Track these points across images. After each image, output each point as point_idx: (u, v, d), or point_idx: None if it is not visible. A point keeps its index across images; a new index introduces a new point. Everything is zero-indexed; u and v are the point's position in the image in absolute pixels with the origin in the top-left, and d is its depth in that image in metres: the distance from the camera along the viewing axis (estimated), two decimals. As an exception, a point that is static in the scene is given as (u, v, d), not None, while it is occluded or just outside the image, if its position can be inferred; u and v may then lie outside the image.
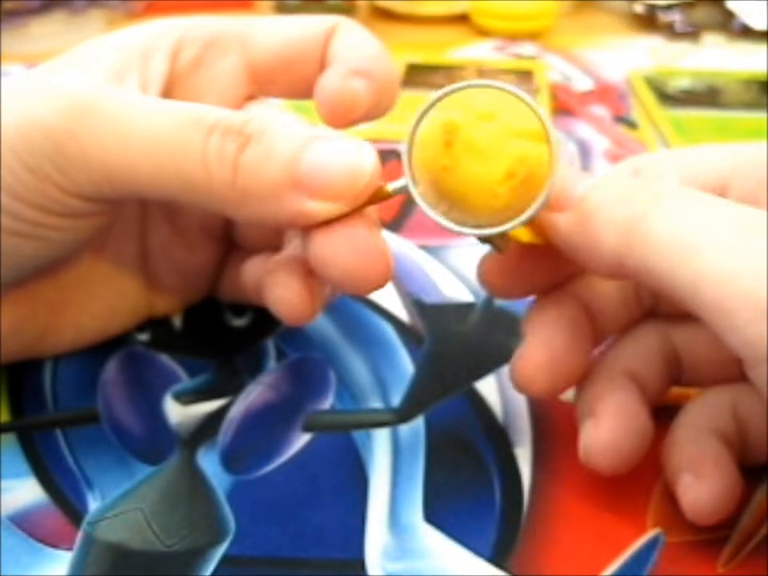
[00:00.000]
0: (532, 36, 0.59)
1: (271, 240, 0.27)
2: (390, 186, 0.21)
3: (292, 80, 0.26)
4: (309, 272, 0.23)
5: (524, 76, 0.51)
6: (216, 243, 0.29)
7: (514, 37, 0.59)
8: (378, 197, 0.21)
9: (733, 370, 0.24)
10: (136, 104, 0.21)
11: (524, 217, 0.20)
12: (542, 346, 0.23)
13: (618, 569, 0.22)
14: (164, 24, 0.25)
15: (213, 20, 0.25)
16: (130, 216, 0.27)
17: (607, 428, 0.22)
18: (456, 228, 0.20)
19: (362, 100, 0.24)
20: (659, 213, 0.18)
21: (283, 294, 0.23)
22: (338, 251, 0.21)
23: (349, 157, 0.20)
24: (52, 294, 0.26)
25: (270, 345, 0.30)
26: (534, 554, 0.23)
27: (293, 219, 0.20)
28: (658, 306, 0.25)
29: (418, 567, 0.22)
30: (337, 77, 0.24)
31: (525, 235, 0.21)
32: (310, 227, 0.21)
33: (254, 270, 0.27)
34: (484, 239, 0.21)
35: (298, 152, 0.20)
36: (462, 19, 0.61)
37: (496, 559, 0.22)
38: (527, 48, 0.58)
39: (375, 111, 0.25)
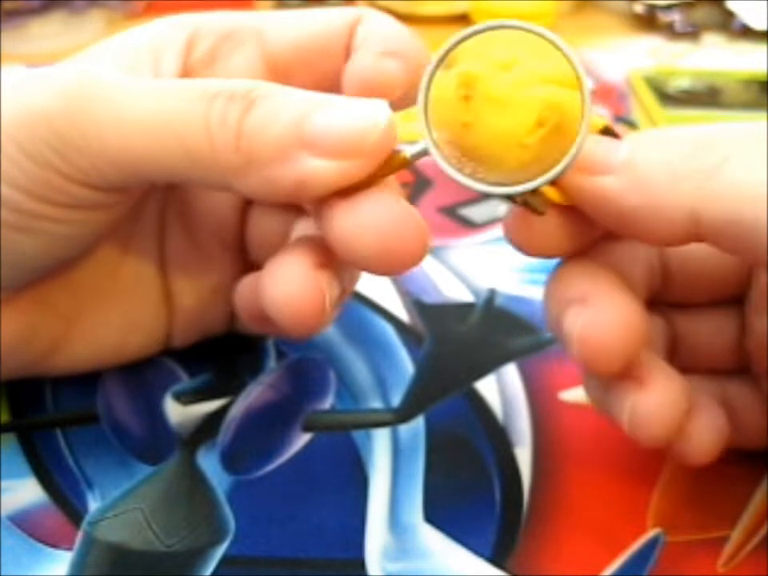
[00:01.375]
0: (532, 36, 0.59)
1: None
2: (409, 152, 0.19)
3: (313, 74, 0.24)
4: (316, 264, 0.21)
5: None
6: (231, 255, 0.27)
7: (514, 37, 0.59)
8: (395, 165, 0.19)
9: (728, 362, 0.24)
10: (134, 83, 0.20)
11: (560, 167, 0.19)
12: (613, 308, 0.20)
13: (618, 569, 0.22)
14: (175, 20, 0.24)
15: (228, 14, 0.24)
16: (148, 226, 0.27)
17: (658, 392, 0.21)
18: (487, 189, 0.19)
19: (398, 82, 0.22)
20: (740, 160, 0.18)
21: (286, 290, 0.20)
22: (364, 223, 0.19)
23: (359, 111, 0.19)
24: (65, 301, 0.25)
25: (270, 345, 0.29)
26: (534, 554, 0.23)
27: (300, 183, 0.19)
28: (663, 294, 0.24)
29: (418, 567, 0.22)
30: (368, 58, 0.22)
31: (555, 195, 0.20)
32: (323, 199, 0.19)
33: (248, 288, 0.24)
34: (519, 200, 0.20)
35: (305, 111, 0.19)
36: (461, 19, 0.61)
37: (496, 559, 0.22)
38: (527, 48, 0.58)
39: (410, 97, 0.22)
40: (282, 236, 0.26)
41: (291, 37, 0.24)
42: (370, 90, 0.22)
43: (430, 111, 0.19)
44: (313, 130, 0.19)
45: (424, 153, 0.19)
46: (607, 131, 0.20)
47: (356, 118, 0.19)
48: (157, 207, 0.26)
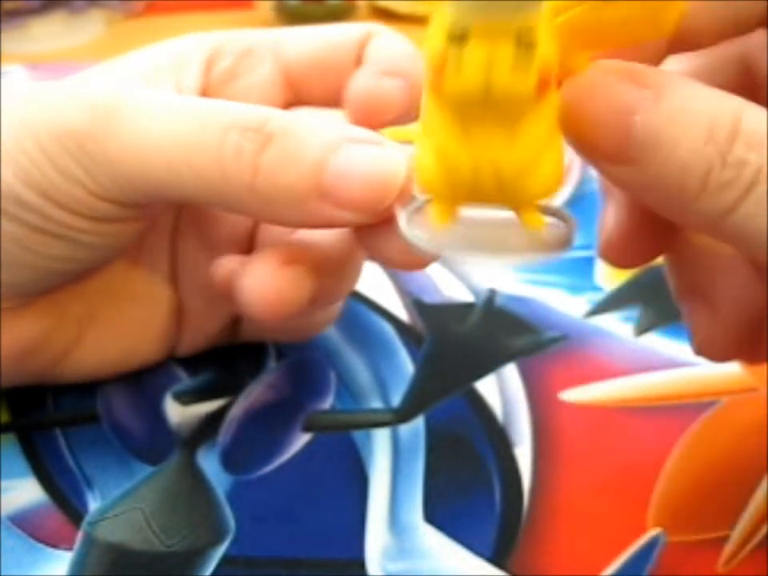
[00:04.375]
0: (532, 36, 0.59)
1: None
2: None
3: (327, 87, 0.25)
4: (286, 261, 0.22)
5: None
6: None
7: (514, 37, 0.59)
8: None
9: None
10: (156, 104, 0.21)
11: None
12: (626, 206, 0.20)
13: (618, 569, 0.22)
14: (197, 38, 0.25)
15: (246, 32, 0.25)
16: (162, 230, 0.27)
17: (726, 320, 0.20)
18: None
19: (396, 101, 0.23)
20: (752, 206, 0.15)
21: (253, 283, 0.22)
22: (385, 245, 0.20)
23: (379, 167, 0.19)
24: (78, 306, 0.25)
25: (270, 345, 0.29)
26: (534, 554, 0.23)
27: (316, 226, 0.20)
28: None
29: (418, 567, 0.22)
30: (367, 76, 0.23)
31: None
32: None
33: (226, 265, 0.24)
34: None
35: (324, 157, 0.19)
36: None
37: (496, 559, 0.22)
38: (527, 48, 0.58)
39: (409, 114, 0.23)
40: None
41: (304, 50, 0.25)
42: (366, 107, 0.23)
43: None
44: (331, 182, 0.19)
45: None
46: None
47: (373, 172, 0.19)
48: (172, 211, 0.27)
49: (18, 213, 0.21)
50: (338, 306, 0.29)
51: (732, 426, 0.26)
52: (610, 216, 0.21)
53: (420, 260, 0.21)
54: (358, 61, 0.24)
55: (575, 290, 0.32)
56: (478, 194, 0.16)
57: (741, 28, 0.19)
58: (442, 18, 0.14)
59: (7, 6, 0.54)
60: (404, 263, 0.21)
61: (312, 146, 0.19)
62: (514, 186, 0.16)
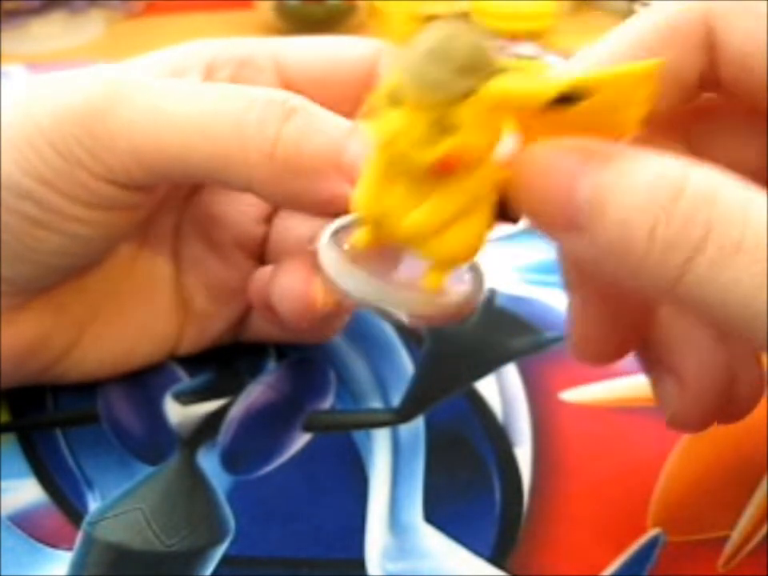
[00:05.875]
0: (532, 36, 0.59)
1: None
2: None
3: (329, 101, 0.25)
4: (314, 267, 0.22)
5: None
6: (250, 261, 0.27)
7: (514, 37, 0.59)
8: None
9: None
10: (167, 85, 0.21)
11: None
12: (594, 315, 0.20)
13: (618, 569, 0.22)
14: (196, 45, 0.25)
15: (245, 40, 0.25)
16: (163, 229, 0.27)
17: (695, 391, 0.20)
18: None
19: None
20: (705, 269, 0.14)
21: (289, 282, 0.23)
22: None
23: None
24: (78, 305, 0.25)
25: (270, 345, 0.29)
26: (534, 554, 0.23)
27: (330, 202, 0.20)
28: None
29: (418, 567, 0.22)
30: None
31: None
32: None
33: (260, 280, 0.25)
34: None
35: (344, 135, 0.20)
36: (462, 19, 0.61)
37: (496, 559, 0.22)
38: (527, 48, 0.58)
39: None
40: (303, 244, 0.26)
41: (305, 62, 0.25)
42: None
43: None
44: (351, 155, 0.19)
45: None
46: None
47: None
48: (174, 210, 0.27)
49: (17, 204, 0.21)
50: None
51: (732, 426, 0.26)
52: (576, 314, 0.20)
53: None
54: (372, 79, 0.25)
55: (575, 290, 0.32)
56: (385, 237, 0.16)
57: (686, 88, 0.19)
58: (392, 76, 0.15)
59: (7, 5, 0.54)
60: None
61: (333, 124, 0.20)
62: (409, 244, 0.16)
